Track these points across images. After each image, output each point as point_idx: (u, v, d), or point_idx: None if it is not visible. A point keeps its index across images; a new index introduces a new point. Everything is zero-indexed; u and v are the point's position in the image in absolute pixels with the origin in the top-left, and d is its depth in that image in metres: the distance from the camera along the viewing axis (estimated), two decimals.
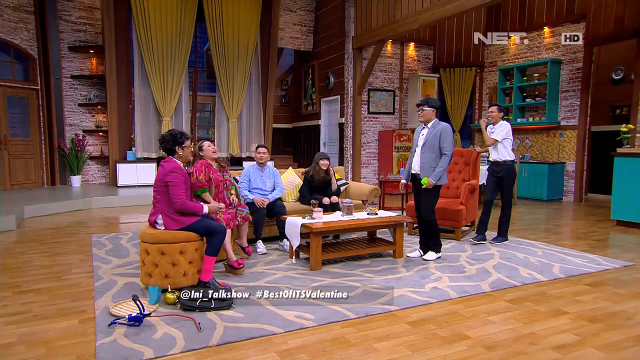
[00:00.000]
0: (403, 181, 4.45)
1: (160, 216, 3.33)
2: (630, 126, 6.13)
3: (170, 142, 3.39)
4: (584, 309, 3.06)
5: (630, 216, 5.89)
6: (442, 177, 4.14)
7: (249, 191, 4.74)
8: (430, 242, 4.31)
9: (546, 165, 8.43)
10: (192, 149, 3.55)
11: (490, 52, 10.10)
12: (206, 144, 4.17)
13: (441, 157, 4.08)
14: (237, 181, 4.97)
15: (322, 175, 5.07)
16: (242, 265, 3.83)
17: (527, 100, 9.07)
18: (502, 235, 4.95)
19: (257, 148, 4.91)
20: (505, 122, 4.85)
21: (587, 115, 8.33)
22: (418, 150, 4.21)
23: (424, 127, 4.23)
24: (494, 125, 4.87)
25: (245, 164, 10.28)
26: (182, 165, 3.44)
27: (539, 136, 9.09)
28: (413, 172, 4.27)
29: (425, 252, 4.37)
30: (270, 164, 5.11)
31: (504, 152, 4.80)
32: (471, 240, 4.96)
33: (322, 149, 10.95)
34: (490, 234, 5.11)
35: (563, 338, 2.60)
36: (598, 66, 8.46)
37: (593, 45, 8.08)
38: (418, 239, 4.58)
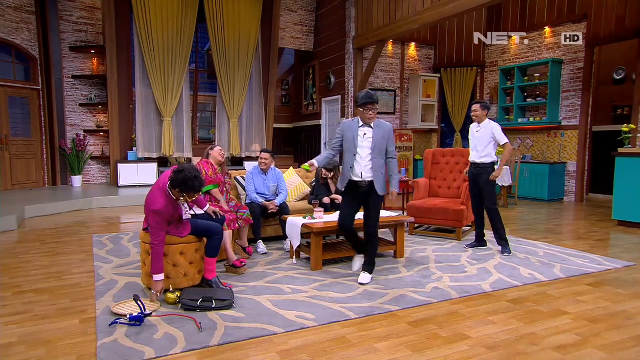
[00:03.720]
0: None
1: None
2: (632, 126, 6.12)
3: (176, 184, 3.01)
4: (585, 309, 3.06)
5: (632, 216, 5.88)
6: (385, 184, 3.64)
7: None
8: (370, 260, 3.68)
9: (547, 166, 8.42)
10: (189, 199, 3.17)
11: (491, 52, 10.09)
12: (218, 148, 4.28)
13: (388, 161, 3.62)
14: (239, 184, 4.99)
15: (323, 182, 5.11)
16: (244, 264, 3.84)
17: (528, 100, 9.06)
18: (506, 245, 4.47)
19: (260, 152, 4.89)
20: (490, 120, 4.54)
21: (589, 115, 8.32)
22: (363, 152, 3.55)
23: (362, 126, 3.56)
24: (479, 124, 4.56)
25: (246, 164, 10.29)
26: (172, 198, 3.12)
27: (540, 136, 9.09)
28: (359, 179, 3.58)
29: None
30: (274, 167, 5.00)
31: (491, 153, 4.48)
32: (465, 247, 4.75)
33: (322, 150, 10.96)
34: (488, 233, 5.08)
35: (564, 338, 2.60)
36: (599, 66, 8.45)
37: (594, 45, 8.07)
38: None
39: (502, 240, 4.51)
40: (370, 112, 3.50)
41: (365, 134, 3.54)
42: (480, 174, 4.52)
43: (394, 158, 3.62)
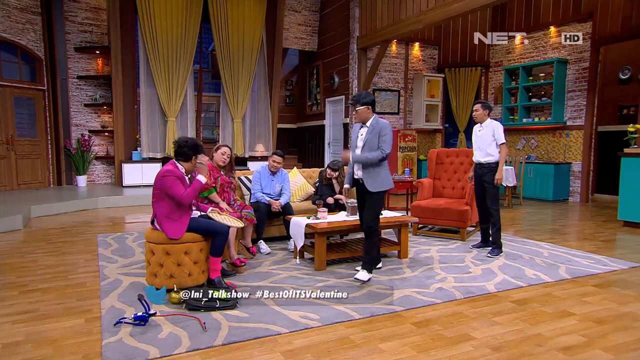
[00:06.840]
0: (346, 186, 3.85)
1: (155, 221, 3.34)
2: (638, 126, 6.08)
3: (191, 149, 3.35)
4: (591, 310, 3.04)
5: (638, 217, 5.84)
6: (387, 182, 3.61)
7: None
8: (366, 258, 3.61)
9: (552, 166, 8.38)
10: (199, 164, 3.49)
11: (496, 51, 10.05)
12: (221, 150, 4.20)
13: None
14: (243, 184, 4.99)
15: (327, 182, 5.11)
16: (244, 264, 3.85)
17: (533, 100, 9.02)
18: (499, 247, 4.49)
19: (272, 154, 4.86)
20: (492, 120, 4.53)
21: (594, 115, 8.27)
22: (358, 151, 3.62)
23: (362, 127, 3.66)
24: (481, 124, 4.56)
25: (250, 164, 10.31)
26: (182, 170, 3.37)
27: (545, 136, 9.04)
28: (355, 177, 3.72)
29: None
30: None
31: (494, 152, 4.45)
32: (472, 247, 4.75)
33: (326, 149, 10.96)
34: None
35: (570, 339, 2.59)
36: (605, 66, 8.39)
37: (600, 44, 8.02)
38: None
39: (496, 241, 4.50)
40: (353, 113, 3.55)
41: (362, 134, 3.64)
42: (485, 174, 4.51)
43: (382, 151, 3.51)
